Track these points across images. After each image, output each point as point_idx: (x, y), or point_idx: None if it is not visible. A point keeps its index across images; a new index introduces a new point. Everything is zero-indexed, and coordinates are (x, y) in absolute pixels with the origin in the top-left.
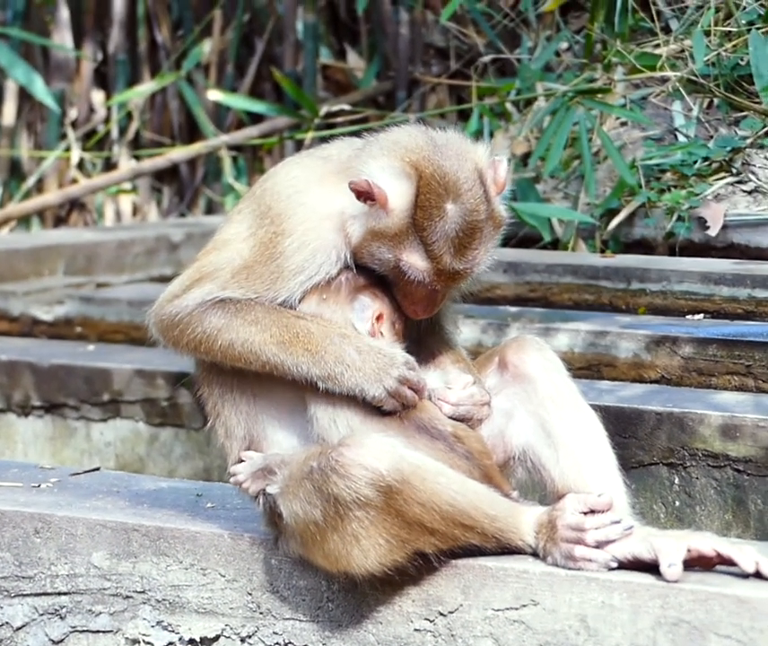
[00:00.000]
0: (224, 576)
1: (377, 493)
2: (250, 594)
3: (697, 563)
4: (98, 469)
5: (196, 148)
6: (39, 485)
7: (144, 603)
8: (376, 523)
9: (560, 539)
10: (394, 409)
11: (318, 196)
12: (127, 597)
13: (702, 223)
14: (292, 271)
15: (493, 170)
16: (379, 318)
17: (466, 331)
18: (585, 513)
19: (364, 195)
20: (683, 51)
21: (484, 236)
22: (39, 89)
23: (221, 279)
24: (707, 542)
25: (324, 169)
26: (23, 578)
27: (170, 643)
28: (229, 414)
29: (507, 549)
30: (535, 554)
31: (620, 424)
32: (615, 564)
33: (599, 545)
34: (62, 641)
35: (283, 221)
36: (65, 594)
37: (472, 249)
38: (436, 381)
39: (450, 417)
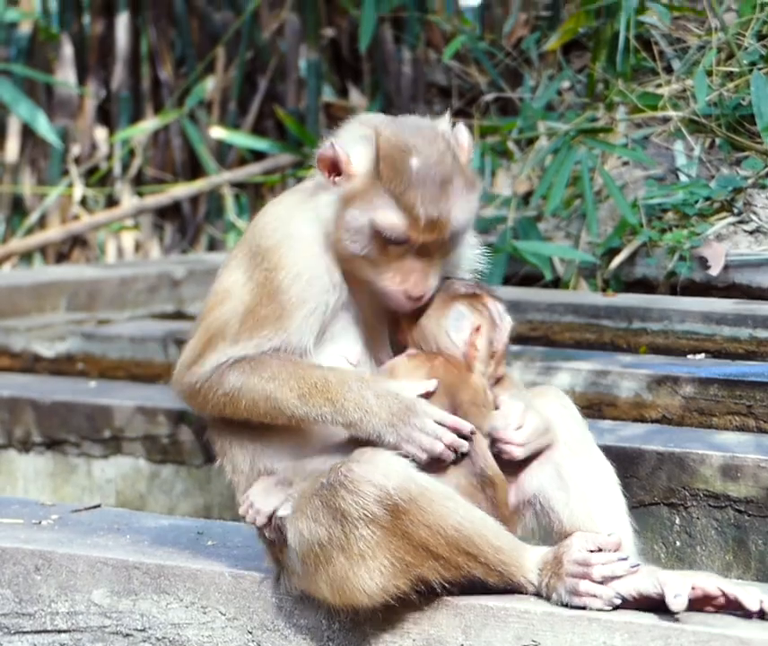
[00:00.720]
0: (225, 614)
1: (384, 511)
2: (251, 632)
3: (701, 604)
4: (99, 506)
5: (199, 185)
6: (39, 522)
7: (145, 641)
8: (382, 544)
9: (565, 574)
10: (417, 455)
11: (300, 223)
12: (128, 635)
13: (704, 263)
14: (293, 305)
15: (454, 136)
16: (477, 329)
17: None
18: (592, 551)
19: (330, 163)
20: (685, 91)
21: (455, 188)
22: (43, 125)
23: (230, 334)
24: (712, 581)
25: (302, 197)
26: (24, 615)
27: None
28: (235, 450)
29: (510, 586)
30: (537, 594)
31: (621, 464)
32: (619, 601)
33: (605, 581)
34: None
35: (274, 256)
36: (65, 632)
37: (444, 200)
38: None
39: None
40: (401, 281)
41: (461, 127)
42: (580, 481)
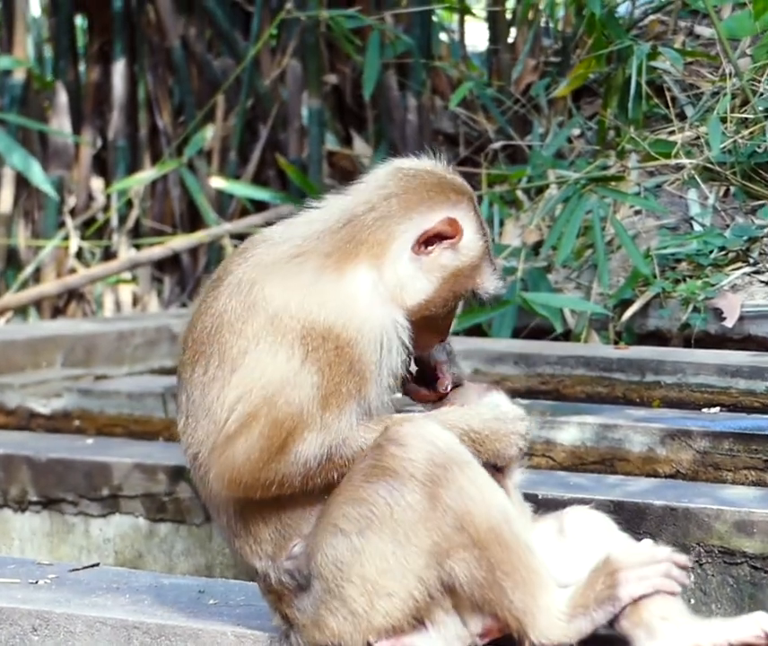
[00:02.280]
0: None
1: (433, 468)
2: None
3: None
4: (97, 565)
5: (198, 237)
6: (36, 582)
7: None
8: (422, 518)
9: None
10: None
11: (353, 287)
12: None
13: (719, 315)
14: (374, 373)
15: None
16: None
17: None
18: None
19: (438, 237)
20: (698, 138)
21: None
22: (37, 175)
23: (315, 421)
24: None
25: (331, 259)
26: None
27: None
28: (259, 525)
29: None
30: None
31: (633, 520)
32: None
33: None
34: None
35: (344, 333)
36: None
37: None
38: None
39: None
40: (439, 334)
41: None
42: None
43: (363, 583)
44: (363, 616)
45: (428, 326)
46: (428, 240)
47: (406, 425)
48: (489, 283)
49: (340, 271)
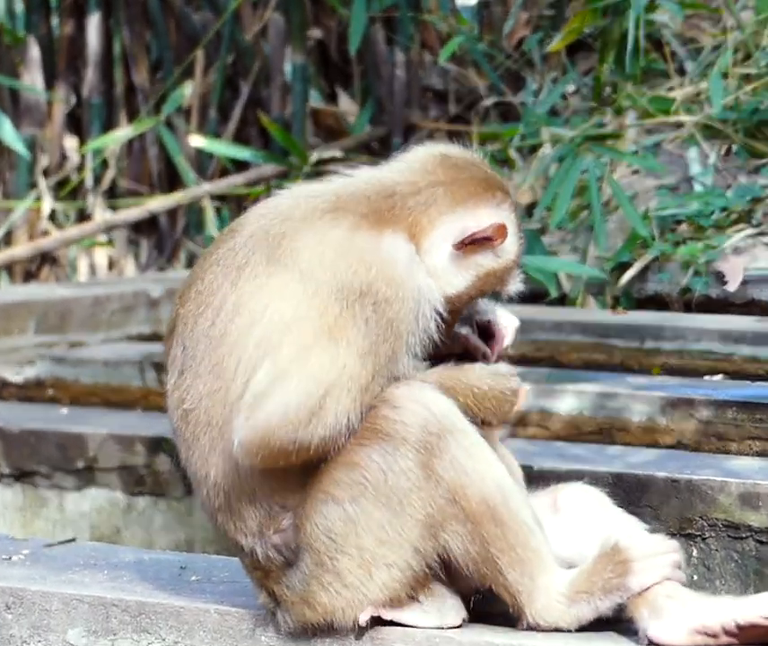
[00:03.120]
0: None
1: (427, 435)
2: None
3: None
4: (74, 540)
5: (177, 198)
6: (10, 558)
7: None
8: (416, 487)
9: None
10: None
11: (392, 251)
12: None
13: (720, 278)
14: (409, 334)
15: None
16: None
17: None
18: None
19: (483, 238)
20: (699, 94)
21: None
22: (8, 134)
23: (352, 380)
24: None
25: (368, 220)
26: None
27: None
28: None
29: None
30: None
31: (633, 492)
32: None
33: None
34: None
35: (377, 286)
36: None
37: None
38: None
39: None
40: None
41: None
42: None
43: (361, 554)
44: (359, 589)
45: (452, 314)
46: (473, 241)
47: (402, 387)
48: (514, 286)
49: (378, 233)
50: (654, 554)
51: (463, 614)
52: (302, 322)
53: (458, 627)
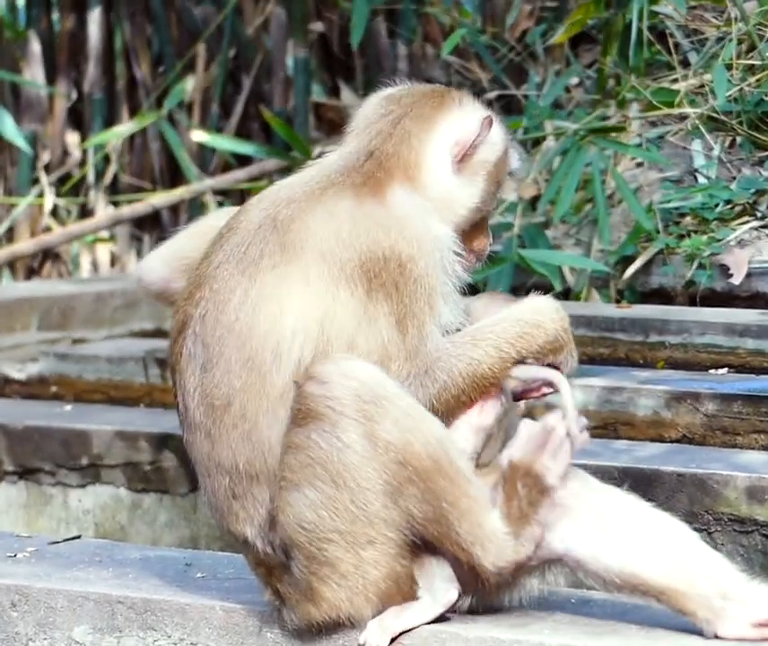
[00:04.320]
0: None
1: (361, 405)
2: None
3: None
4: (79, 537)
5: (179, 193)
6: (15, 555)
7: None
8: (367, 457)
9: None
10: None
11: (399, 209)
12: None
13: (725, 271)
14: (439, 285)
15: None
16: None
17: None
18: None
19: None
20: (703, 86)
21: None
22: (10, 129)
23: (399, 349)
24: None
25: (366, 187)
26: None
27: None
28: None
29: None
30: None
31: (639, 487)
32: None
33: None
34: None
35: (399, 248)
36: None
37: None
38: None
39: None
40: (486, 236)
41: None
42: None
43: (342, 537)
44: (356, 574)
45: (475, 228)
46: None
47: (327, 363)
48: (516, 159)
49: (380, 196)
50: (546, 445)
51: (454, 585)
52: (338, 309)
53: (454, 607)
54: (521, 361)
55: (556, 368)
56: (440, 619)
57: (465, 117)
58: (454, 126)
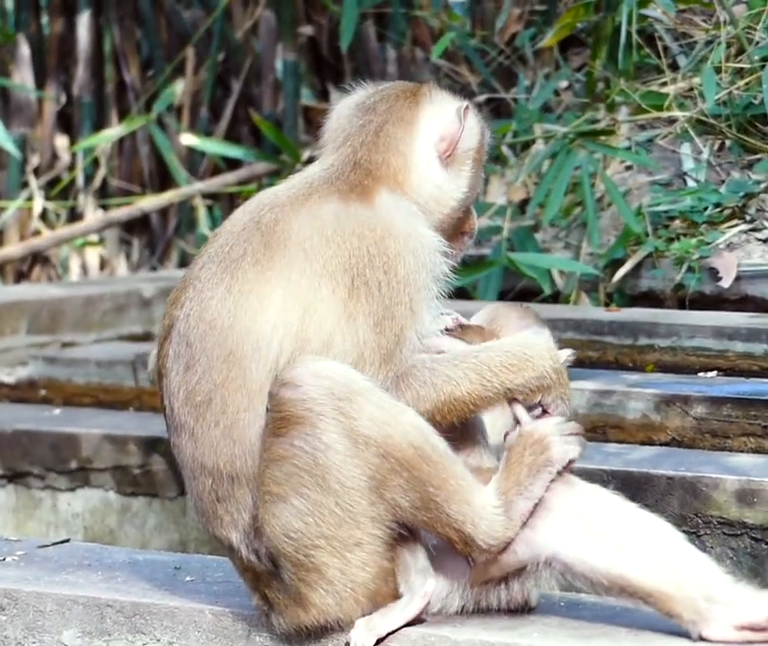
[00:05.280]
0: None
1: (336, 403)
2: None
3: None
4: (68, 541)
5: (169, 197)
6: (4, 559)
7: None
8: (349, 454)
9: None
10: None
11: (386, 211)
12: None
13: (714, 274)
14: (421, 291)
15: None
16: None
17: None
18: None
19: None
20: (692, 90)
21: None
22: None
23: (374, 352)
24: None
25: (354, 193)
26: None
27: None
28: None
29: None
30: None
31: (628, 490)
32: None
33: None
34: None
35: (384, 246)
36: None
37: None
38: None
39: None
40: (473, 223)
41: None
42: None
43: (329, 542)
44: (344, 578)
45: (462, 218)
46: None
47: (297, 367)
48: (491, 142)
49: (367, 201)
50: (561, 430)
51: (430, 575)
52: (320, 306)
53: (441, 607)
54: (506, 394)
55: (545, 409)
56: (430, 622)
57: (443, 112)
58: (434, 122)
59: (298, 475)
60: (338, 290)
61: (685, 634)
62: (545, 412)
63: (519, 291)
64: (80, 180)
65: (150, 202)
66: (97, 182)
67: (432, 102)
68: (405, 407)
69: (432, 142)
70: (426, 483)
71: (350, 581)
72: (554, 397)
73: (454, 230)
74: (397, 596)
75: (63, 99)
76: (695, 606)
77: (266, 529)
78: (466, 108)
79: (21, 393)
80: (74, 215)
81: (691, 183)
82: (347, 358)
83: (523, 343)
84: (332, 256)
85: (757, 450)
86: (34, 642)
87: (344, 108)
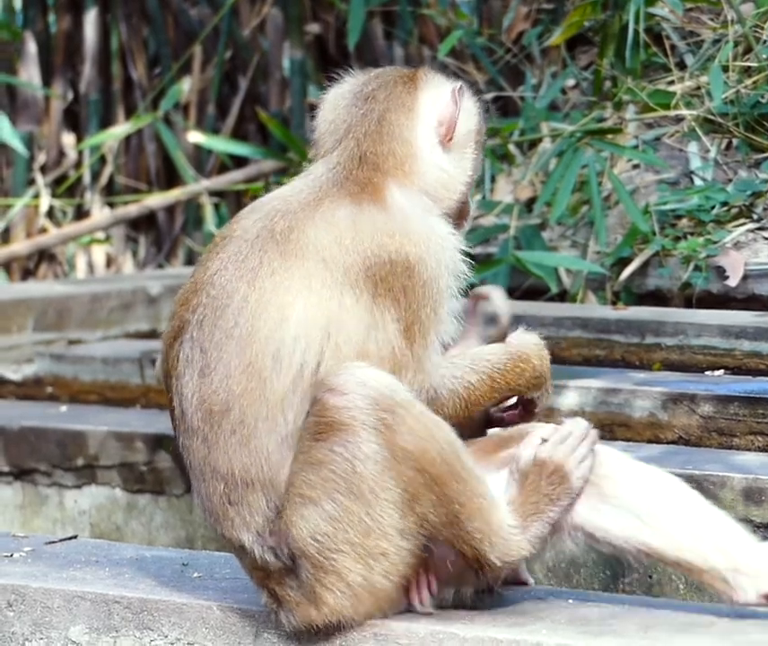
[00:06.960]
0: None
1: (380, 413)
2: None
3: None
4: (75, 537)
5: (175, 194)
6: (11, 555)
7: None
8: (386, 466)
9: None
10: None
11: (401, 211)
12: None
13: (721, 273)
14: (443, 294)
15: None
16: None
17: None
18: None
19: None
20: (699, 88)
21: None
22: (6, 130)
23: (407, 358)
24: None
25: (365, 193)
26: None
27: None
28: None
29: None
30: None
31: None
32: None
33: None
34: None
35: (405, 251)
36: None
37: None
38: None
39: None
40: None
41: None
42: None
43: (354, 549)
44: (364, 585)
45: (464, 203)
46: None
47: (342, 373)
48: (486, 122)
49: (380, 201)
50: (575, 444)
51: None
52: (344, 316)
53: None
54: (509, 393)
55: (533, 402)
56: (439, 618)
57: (439, 95)
58: (432, 105)
59: (333, 481)
60: (362, 298)
61: (698, 631)
62: (526, 403)
63: (525, 289)
64: (86, 178)
65: (156, 200)
66: (104, 180)
67: (429, 85)
68: (441, 421)
69: (432, 125)
70: (454, 500)
71: (370, 587)
72: (543, 390)
73: (455, 216)
74: (402, 602)
75: (70, 96)
76: (723, 577)
77: (291, 531)
78: (460, 88)
79: (28, 390)
80: (81, 213)
81: (698, 182)
82: (385, 366)
83: (523, 343)
84: (352, 264)
85: (764, 449)
86: (42, 639)
87: (339, 97)
